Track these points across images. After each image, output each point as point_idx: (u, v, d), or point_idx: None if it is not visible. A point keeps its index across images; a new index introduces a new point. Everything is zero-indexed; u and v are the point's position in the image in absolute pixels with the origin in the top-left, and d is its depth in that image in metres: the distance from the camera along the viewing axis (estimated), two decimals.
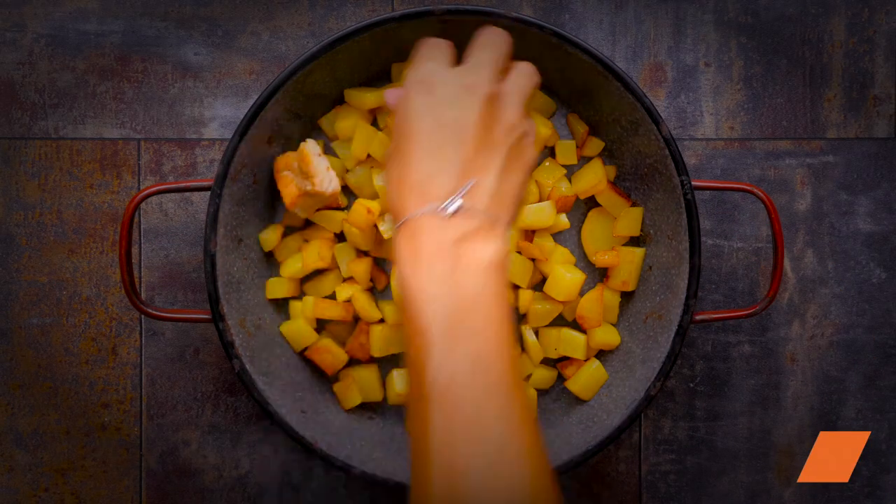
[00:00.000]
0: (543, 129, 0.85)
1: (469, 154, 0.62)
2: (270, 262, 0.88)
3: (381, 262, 0.88)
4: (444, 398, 0.56)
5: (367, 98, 0.85)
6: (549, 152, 0.87)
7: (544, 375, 0.87)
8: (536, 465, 0.57)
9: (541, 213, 0.84)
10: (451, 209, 0.60)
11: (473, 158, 0.62)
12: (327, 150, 0.87)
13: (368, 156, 0.86)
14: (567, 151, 0.86)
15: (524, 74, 0.68)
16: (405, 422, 0.88)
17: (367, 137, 0.85)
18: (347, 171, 0.86)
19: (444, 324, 0.57)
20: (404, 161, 0.63)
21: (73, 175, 0.89)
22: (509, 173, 0.64)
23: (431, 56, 0.67)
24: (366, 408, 0.88)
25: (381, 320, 0.86)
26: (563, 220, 0.86)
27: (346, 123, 0.85)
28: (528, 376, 0.87)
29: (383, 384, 0.88)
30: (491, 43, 0.68)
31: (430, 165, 0.62)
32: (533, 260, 0.86)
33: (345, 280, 0.87)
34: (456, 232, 0.60)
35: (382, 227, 0.83)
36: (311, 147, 0.82)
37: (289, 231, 0.87)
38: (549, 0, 0.90)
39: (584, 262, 0.88)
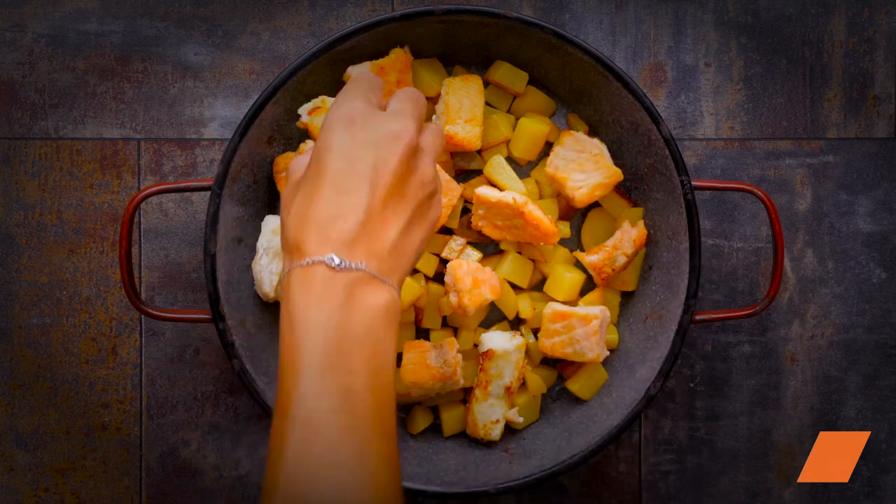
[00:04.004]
0: (541, 126, 0.85)
1: (377, 202, 0.61)
2: None
3: None
4: (307, 423, 0.56)
5: None
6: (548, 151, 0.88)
7: (544, 375, 0.87)
8: None
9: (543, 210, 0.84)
10: (345, 265, 0.60)
11: (381, 208, 0.61)
12: None
13: None
14: None
15: (437, 134, 0.68)
16: (405, 423, 0.88)
17: None
18: None
19: (322, 354, 0.57)
20: (310, 195, 0.61)
21: (73, 175, 0.89)
22: (413, 228, 0.63)
23: (359, 93, 0.64)
24: None
25: None
26: (565, 229, 0.86)
27: None
28: (523, 382, 0.87)
29: None
30: (414, 98, 0.66)
31: (335, 206, 0.60)
32: (533, 260, 0.86)
33: None
34: (350, 277, 0.59)
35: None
36: (310, 148, 0.82)
37: None
38: (549, 0, 0.90)
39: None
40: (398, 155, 0.61)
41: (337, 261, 0.59)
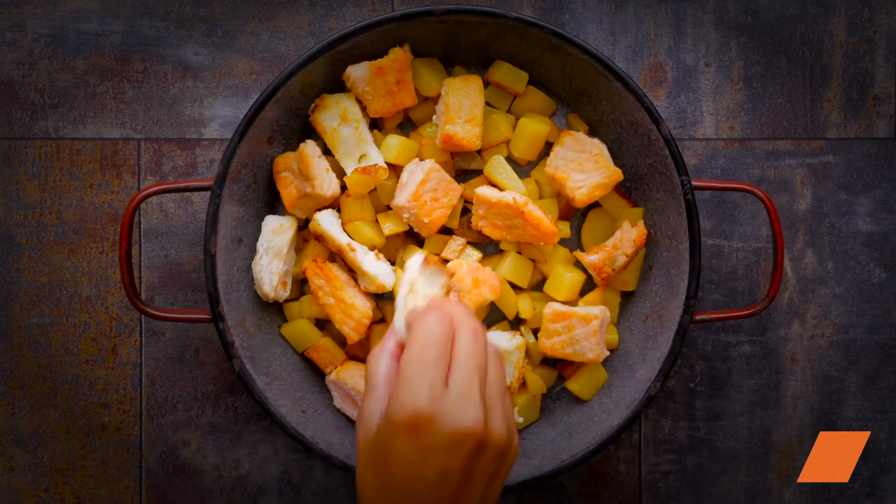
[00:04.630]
0: (541, 126, 0.85)
1: (448, 502, 0.63)
2: None
3: None
4: None
5: None
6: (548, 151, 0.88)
7: (544, 375, 0.87)
8: None
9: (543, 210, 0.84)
10: None
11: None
12: (326, 151, 0.87)
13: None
14: None
15: (499, 367, 0.67)
16: None
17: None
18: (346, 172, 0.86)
19: None
20: (381, 496, 0.63)
21: (73, 175, 0.89)
22: (487, 497, 0.65)
23: (425, 380, 0.62)
24: None
25: (382, 320, 0.86)
26: (565, 229, 0.86)
27: None
28: (523, 382, 0.87)
29: None
30: (476, 362, 0.64)
31: None
32: (533, 260, 0.86)
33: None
34: None
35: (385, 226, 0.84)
36: (310, 149, 0.82)
37: None
38: (549, 0, 0.90)
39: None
40: (464, 457, 0.62)
41: None
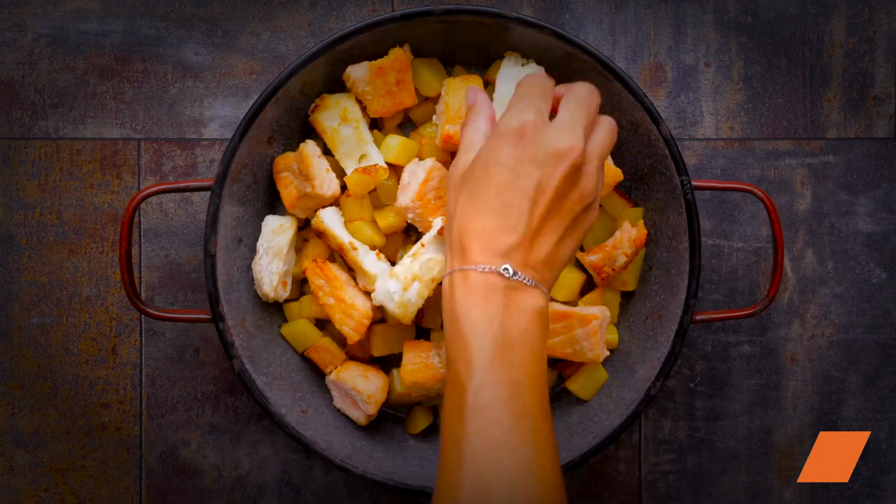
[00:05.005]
0: None
1: (536, 219, 0.66)
2: None
3: None
4: (481, 415, 0.62)
5: None
6: None
7: None
8: (553, 486, 0.63)
9: None
10: (506, 274, 0.65)
11: (539, 224, 0.66)
12: (326, 151, 0.87)
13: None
14: None
15: (608, 132, 0.70)
16: (406, 423, 0.88)
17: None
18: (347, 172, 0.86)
19: (489, 353, 0.63)
20: (475, 204, 0.66)
21: (73, 175, 0.89)
22: (566, 240, 0.68)
23: (532, 104, 0.67)
24: None
25: (382, 320, 0.86)
26: None
27: None
28: None
29: None
30: (585, 101, 0.69)
31: (498, 220, 0.65)
32: None
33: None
34: (508, 284, 0.65)
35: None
36: (310, 149, 0.82)
37: None
38: (549, 0, 0.90)
39: None
40: (561, 174, 0.65)
41: (501, 270, 0.65)
